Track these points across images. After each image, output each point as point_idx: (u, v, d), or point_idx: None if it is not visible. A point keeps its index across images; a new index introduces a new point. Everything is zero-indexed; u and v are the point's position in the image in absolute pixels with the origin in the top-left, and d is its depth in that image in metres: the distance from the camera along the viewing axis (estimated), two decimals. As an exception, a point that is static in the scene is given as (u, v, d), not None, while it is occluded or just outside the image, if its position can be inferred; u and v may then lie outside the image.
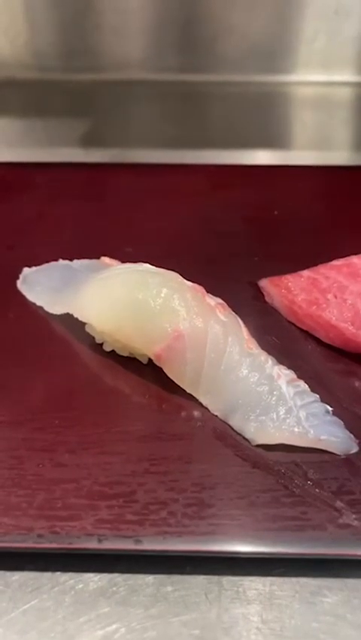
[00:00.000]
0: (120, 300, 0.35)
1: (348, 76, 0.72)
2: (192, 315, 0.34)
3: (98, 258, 0.42)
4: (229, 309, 0.36)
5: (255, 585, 0.30)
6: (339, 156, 0.63)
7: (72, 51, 0.72)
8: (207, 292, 0.38)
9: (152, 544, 0.29)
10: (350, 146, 0.66)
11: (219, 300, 0.36)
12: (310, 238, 0.47)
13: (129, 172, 0.55)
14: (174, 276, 0.36)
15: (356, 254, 0.41)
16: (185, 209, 0.50)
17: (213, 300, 0.35)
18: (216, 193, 0.52)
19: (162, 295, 0.34)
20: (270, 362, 0.35)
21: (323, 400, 0.35)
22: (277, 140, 0.66)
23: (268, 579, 0.30)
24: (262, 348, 0.37)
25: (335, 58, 0.71)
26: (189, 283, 0.36)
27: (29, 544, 0.29)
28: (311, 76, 0.72)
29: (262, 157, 0.62)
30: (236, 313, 0.38)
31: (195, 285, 0.36)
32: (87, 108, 0.72)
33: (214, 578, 0.30)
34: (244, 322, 0.37)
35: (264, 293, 0.42)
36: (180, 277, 0.36)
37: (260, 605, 0.30)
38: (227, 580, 0.30)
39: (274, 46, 0.70)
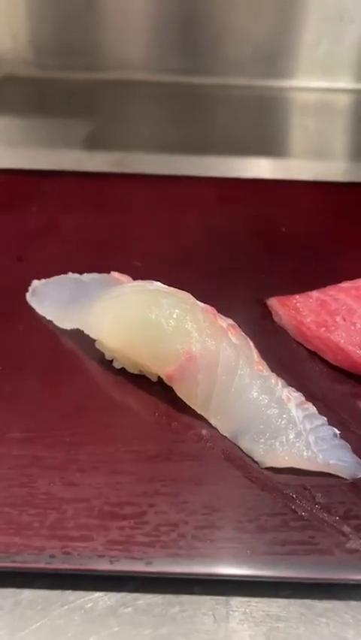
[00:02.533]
0: (132, 319, 0.35)
1: (349, 83, 0.73)
2: (204, 336, 0.34)
3: (107, 271, 0.43)
4: (240, 331, 0.37)
5: (262, 607, 0.31)
6: (338, 167, 0.64)
7: (73, 49, 0.72)
8: (217, 310, 0.39)
9: (162, 567, 0.29)
10: (350, 155, 0.67)
11: (231, 322, 0.37)
12: (317, 256, 0.47)
13: (137, 182, 0.55)
14: (186, 297, 0.36)
15: None
16: (192, 222, 0.51)
17: (225, 322, 0.36)
18: (224, 206, 0.52)
19: (175, 316, 0.34)
20: (280, 384, 0.35)
21: (330, 423, 0.35)
22: (277, 147, 0.66)
23: (275, 600, 0.31)
24: (270, 368, 0.37)
25: (336, 64, 0.71)
26: (202, 304, 0.36)
27: (42, 564, 0.29)
28: (312, 82, 0.72)
29: (263, 165, 0.63)
30: (245, 332, 0.38)
31: (207, 306, 0.36)
32: (87, 108, 0.72)
33: (222, 599, 0.31)
34: (253, 341, 0.38)
35: (272, 312, 0.42)
36: (192, 297, 0.37)
37: (266, 626, 0.30)
38: (235, 601, 0.31)
39: (276, 51, 0.71)
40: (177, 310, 0.35)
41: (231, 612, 0.31)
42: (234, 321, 0.38)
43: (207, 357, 0.34)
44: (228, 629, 0.30)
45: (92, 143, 0.66)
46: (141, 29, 0.70)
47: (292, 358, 0.40)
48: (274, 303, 0.42)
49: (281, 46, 0.70)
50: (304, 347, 0.40)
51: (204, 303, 0.38)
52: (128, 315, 0.35)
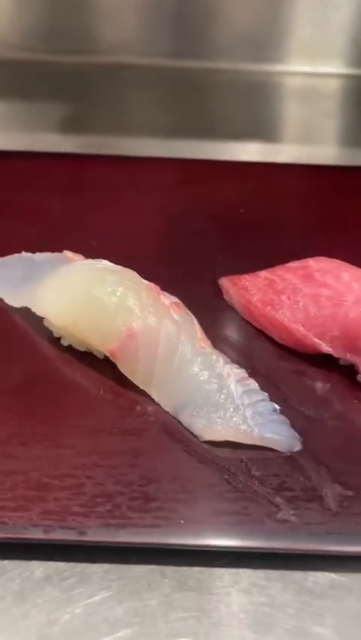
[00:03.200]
0: (77, 296, 0.36)
1: (336, 68, 0.73)
2: (145, 313, 0.35)
3: (63, 250, 0.43)
4: (185, 308, 0.37)
5: (196, 575, 0.32)
6: (322, 151, 0.63)
7: (59, 32, 0.71)
8: (168, 289, 0.39)
9: (96, 536, 0.30)
10: (334, 140, 0.67)
11: (175, 299, 0.37)
12: (274, 237, 0.47)
13: (101, 164, 0.55)
14: (131, 275, 0.37)
15: (320, 254, 0.42)
16: (154, 204, 0.51)
17: (168, 299, 0.36)
18: (186, 188, 0.53)
19: (118, 294, 0.35)
20: (221, 361, 0.36)
21: (272, 399, 0.36)
22: (260, 132, 0.65)
23: (208, 570, 0.32)
24: (218, 346, 0.38)
25: (323, 49, 0.70)
26: (146, 282, 0.37)
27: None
28: (299, 66, 0.72)
29: (245, 150, 0.62)
30: (195, 311, 0.39)
31: (151, 284, 0.37)
32: (68, 91, 0.71)
33: (158, 569, 0.32)
34: (202, 320, 0.38)
35: (223, 291, 0.43)
36: (138, 275, 0.37)
37: (199, 593, 0.31)
38: (169, 570, 0.32)
39: (263, 35, 0.70)
40: (119, 288, 0.35)
41: (166, 581, 0.32)
42: (185, 300, 0.39)
43: (148, 334, 0.34)
44: (161, 595, 0.31)
45: (69, 126, 0.66)
46: (127, 11, 0.70)
47: (240, 336, 0.40)
48: (225, 282, 0.43)
49: (268, 30, 0.70)
50: (252, 325, 0.41)
51: (157, 282, 0.38)
52: (73, 293, 0.36)
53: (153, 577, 0.32)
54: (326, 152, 0.63)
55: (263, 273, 0.42)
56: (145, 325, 0.34)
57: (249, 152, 0.62)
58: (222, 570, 0.32)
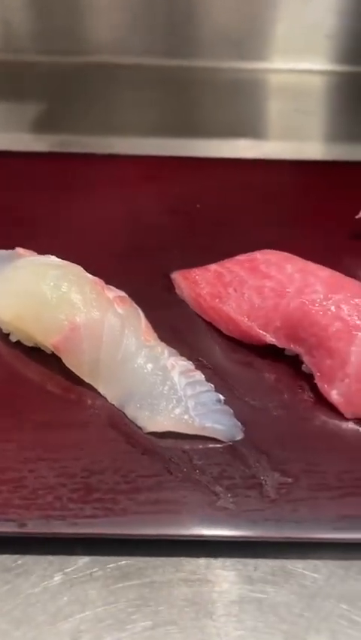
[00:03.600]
0: (20, 292, 0.36)
1: (314, 65, 0.73)
2: (89, 307, 0.35)
3: (17, 246, 0.43)
4: (130, 302, 0.37)
5: (138, 564, 0.32)
6: (305, 147, 0.63)
7: (41, 32, 0.71)
8: (122, 284, 0.39)
9: (36, 528, 0.30)
10: (316, 136, 0.67)
11: (121, 293, 0.38)
12: (230, 232, 0.48)
13: (62, 161, 0.55)
14: (76, 270, 0.37)
15: (273, 248, 0.42)
16: (114, 201, 0.51)
17: (113, 293, 0.37)
18: (146, 185, 0.53)
19: (61, 288, 0.35)
20: (166, 353, 0.36)
21: (218, 390, 0.36)
22: (244, 129, 0.66)
23: (148, 559, 0.32)
24: (168, 339, 0.39)
25: (303, 46, 0.71)
26: (91, 276, 0.37)
27: None
28: (285, 64, 0.72)
29: (227, 146, 0.62)
30: (147, 305, 0.39)
31: (96, 279, 0.37)
32: (41, 91, 0.71)
33: (101, 559, 0.32)
34: (154, 314, 0.39)
35: (175, 285, 0.43)
36: (83, 270, 0.37)
37: (140, 581, 0.31)
38: (110, 559, 0.32)
39: (244, 32, 0.70)
40: (63, 282, 0.35)
41: (108, 571, 0.32)
42: (138, 294, 0.39)
43: (91, 327, 0.35)
44: (103, 585, 0.31)
45: (41, 126, 0.66)
46: (108, 11, 0.69)
47: (189, 329, 0.41)
48: (176, 276, 0.43)
49: (249, 27, 0.70)
50: (202, 318, 0.41)
51: (111, 277, 0.39)
52: (17, 288, 0.36)
53: (95, 568, 0.32)
54: (308, 148, 0.63)
55: (213, 267, 0.42)
56: (88, 319, 0.35)
57: (232, 148, 0.62)
58: (163, 559, 0.32)
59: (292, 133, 0.66)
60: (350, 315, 0.34)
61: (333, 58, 0.72)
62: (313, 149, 0.64)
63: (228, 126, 0.65)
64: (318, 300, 0.35)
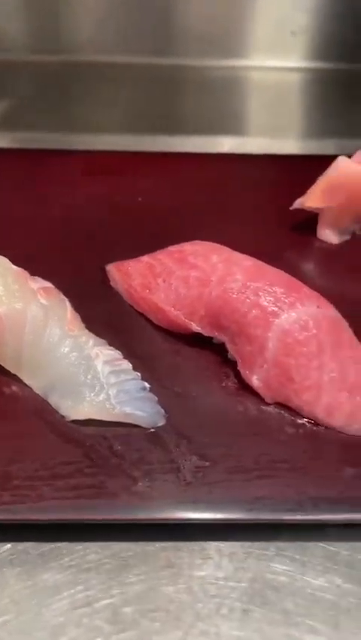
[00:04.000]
0: None
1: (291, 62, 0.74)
2: (11, 298, 0.35)
3: None
4: (56, 293, 0.38)
5: (64, 551, 0.32)
6: (285, 143, 0.65)
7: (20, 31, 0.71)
8: (58, 277, 0.39)
9: None
10: (295, 132, 0.68)
11: (47, 284, 0.38)
12: (169, 225, 0.48)
13: (7, 156, 0.56)
14: (1, 262, 0.37)
15: (214, 240, 0.43)
16: (55, 196, 0.51)
17: (37, 284, 0.37)
18: (89, 180, 0.54)
19: (-17, 280, 0.36)
20: (91, 343, 0.37)
21: (144, 378, 0.37)
22: (225, 126, 0.67)
23: (80, 544, 0.32)
24: (101, 330, 0.39)
25: (278, 43, 0.72)
26: (15, 267, 0.37)
27: None
28: (264, 61, 0.73)
29: (209, 143, 0.63)
30: (81, 297, 0.39)
31: (20, 270, 0.37)
32: (10, 90, 0.72)
33: (21, 545, 0.33)
34: (88, 305, 0.39)
35: (110, 277, 0.44)
36: (8, 262, 0.38)
37: (72, 569, 0.32)
38: (32, 545, 0.32)
39: (224, 30, 0.71)
40: (-14, 274, 0.36)
41: (30, 557, 0.32)
42: (73, 287, 0.39)
43: (13, 318, 0.35)
44: (23, 571, 0.32)
45: (4, 124, 0.67)
46: (88, 10, 0.70)
47: (121, 320, 0.41)
48: (111, 268, 0.44)
49: (230, 26, 0.71)
50: (134, 309, 0.42)
51: (48, 270, 0.39)
52: None
53: (18, 554, 0.32)
54: (288, 144, 0.64)
55: (145, 258, 0.43)
56: (10, 309, 0.35)
57: (214, 145, 0.63)
58: (86, 544, 0.33)
59: (261, 129, 0.68)
60: (267, 303, 0.35)
61: (307, 55, 0.73)
62: (283, 144, 0.65)
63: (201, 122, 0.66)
64: (237, 288, 0.36)
